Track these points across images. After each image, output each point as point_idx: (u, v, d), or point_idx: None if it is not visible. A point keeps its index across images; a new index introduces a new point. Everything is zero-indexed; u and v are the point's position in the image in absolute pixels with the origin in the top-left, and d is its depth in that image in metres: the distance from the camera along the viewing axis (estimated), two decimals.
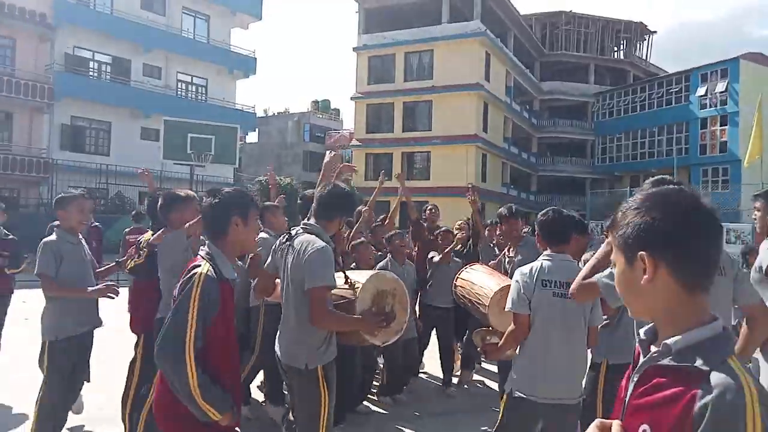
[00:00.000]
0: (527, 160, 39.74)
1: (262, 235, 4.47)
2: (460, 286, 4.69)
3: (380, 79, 33.76)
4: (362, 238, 5.39)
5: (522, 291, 2.97)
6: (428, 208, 6.91)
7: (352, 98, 34.81)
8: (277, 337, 3.08)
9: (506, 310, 3.07)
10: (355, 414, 5.07)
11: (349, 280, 3.15)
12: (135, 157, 23.59)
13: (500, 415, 3.07)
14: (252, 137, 46.37)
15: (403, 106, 33.32)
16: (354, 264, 4.91)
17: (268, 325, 4.53)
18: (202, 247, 2.47)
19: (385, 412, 5.29)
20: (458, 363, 6.37)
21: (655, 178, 2.82)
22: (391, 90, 33.26)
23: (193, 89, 30.77)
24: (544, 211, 3.23)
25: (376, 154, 33.95)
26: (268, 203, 5.47)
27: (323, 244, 2.87)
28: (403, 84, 33.17)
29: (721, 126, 32.64)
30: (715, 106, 32.85)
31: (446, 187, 30.11)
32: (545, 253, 3.11)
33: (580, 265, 3.12)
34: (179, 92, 29.84)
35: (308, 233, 2.95)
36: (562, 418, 2.90)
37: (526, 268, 3.05)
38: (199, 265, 2.32)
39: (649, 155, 36.42)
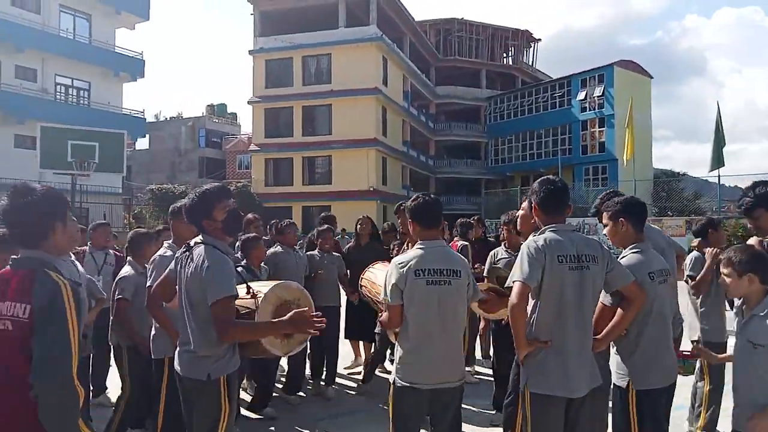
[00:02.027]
0: (426, 163, 40.76)
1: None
2: (364, 286, 4.66)
3: (278, 82, 33.21)
4: (254, 234, 5.38)
5: (395, 282, 2.93)
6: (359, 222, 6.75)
7: (249, 102, 33.96)
8: (177, 350, 2.94)
9: (380, 300, 3.05)
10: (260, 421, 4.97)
11: (251, 290, 3.06)
12: (8, 166, 21.51)
13: (390, 407, 3.04)
14: (142, 143, 44.00)
15: (302, 110, 32.98)
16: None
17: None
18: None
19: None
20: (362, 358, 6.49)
21: (542, 178, 2.98)
22: (290, 94, 32.82)
23: (74, 93, 28.49)
24: (413, 197, 3.17)
25: (276, 159, 33.35)
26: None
27: (221, 255, 2.79)
28: (302, 88, 32.85)
29: (599, 128, 35.32)
30: (594, 109, 35.50)
31: (348, 192, 30.20)
32: (419, 242, 3.08)
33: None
34: (58, 96, 27.55)
35: (206, 245, 2.84)
36: (447, 400, 2.95)
37: (400, 259, 3.03)
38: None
39: (537, 156, 38.62)
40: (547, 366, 2.70)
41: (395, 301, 2.96)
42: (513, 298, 2.66)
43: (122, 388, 4.28)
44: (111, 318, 4.34)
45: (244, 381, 5.54)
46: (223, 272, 2.72)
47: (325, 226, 6.25)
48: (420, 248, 3.03)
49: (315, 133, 32.72)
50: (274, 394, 5.41)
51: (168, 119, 47.97)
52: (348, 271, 6.19)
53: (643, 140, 31.88)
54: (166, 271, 3.07)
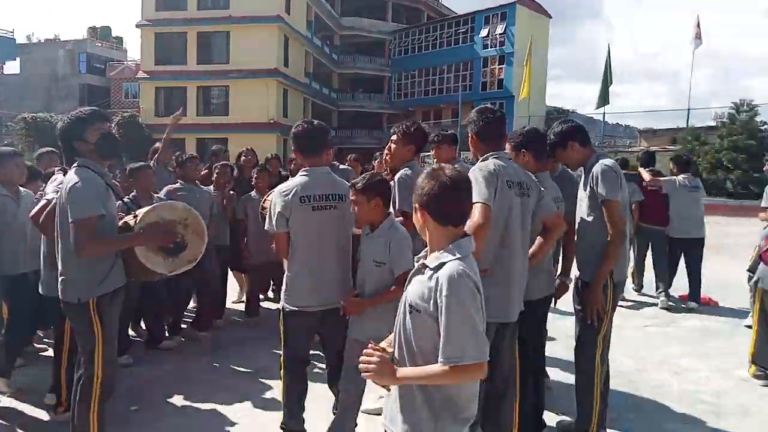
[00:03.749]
0: (328, 96, 39.91)
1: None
2: (265, 207, 4.57)
3: (171, 5, 30.67)
4: (142, 163, 5.02)
5: (280, 210, 2.93)
6: (243, 153, 6.46)
7: (137, 26, 31.23)
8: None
9: (266, 229, 3.05)
10: (157, 351, 4.98)
11: (133, 212, 3.08)
12: None
13: (281, 333, 3.09)
14: (12, 67, 39.49)
15: (197, 37, 30.81)
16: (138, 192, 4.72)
17: None
18: None
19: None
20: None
21: (480, 107, 2.95)
22: (184, 18, 30.48)
23: None
24: (295, 125, 3.14)
25: (167, 88, 31.21)
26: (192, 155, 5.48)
27: (91, 174, 2.81)
28: (197, 12, 30.59)
29: (499, 65, 36.07)
30: (495, 46, 36.09)
31: (247, 124, 29.06)
32: (302, 169, 3.07)
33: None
34: None
35: (78, 166, 2.85)
36: (335, 321, 3.01)
37: (284, 187, 3.01)
38: None
39: (439, 91, 39.00)
40: (489, 294, 2.71)
41: (281, 229, 2.98)
42: (479, 218, 2.53)
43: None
44: None
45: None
46: (87, 191, 2.72)
47: (222, 163, 5.99)
48: (304, 175, 3.04)
49: (211, 62, 30.84)
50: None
51: (43, 41, 43.00)
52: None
53: (538, 79, 33.05)
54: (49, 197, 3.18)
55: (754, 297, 4.33)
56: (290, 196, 2.94)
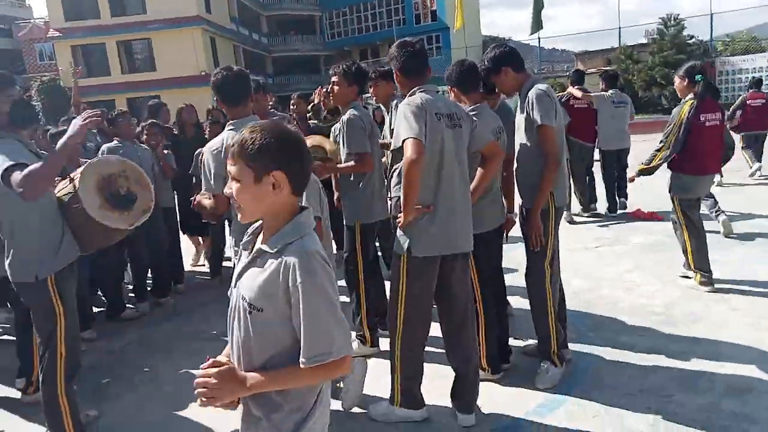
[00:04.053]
0: (259, 41, 38.33)
1: None
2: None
3: None
4: (64, 128, 4.62)
5: (214, 171, 2.76)
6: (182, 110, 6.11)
7: None
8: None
9: (204, 190, 2.91)
10: (119, 322, 4.90)
11: (68, 176, 2.94)
12: None
13: None
14: None
15: None
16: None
17: None
18: None
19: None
20: None
21: (399, 42, 2.87)
22: None
23: None
24: (214, 73, 2.94)
25: (84, 46, 29.21)
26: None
27: (6, 142, 2.66)
28: None
29: None
30: None
31: (177, 78, 27.70)
32: (228, 122, 2.91)
33: None
34: None
35: None
36: None
37: (213, 144, 2.81)
38: None
39: (373, 28, 38.08)
40: (431, 228, 2.69)
41: (220, 189, 2.78)
42: (411, 154, 2.49)
43: None
44: None
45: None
46: (7, 151, 2.54)
47: (150, 121, 5.66)
48: (231, 128, 2.85)
49: (126, 13, 28.97)
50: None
51: None
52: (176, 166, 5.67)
53: (470, 8, 32.66)
54: None
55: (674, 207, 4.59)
56: (222, 154, 2.74)
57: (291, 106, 6.29)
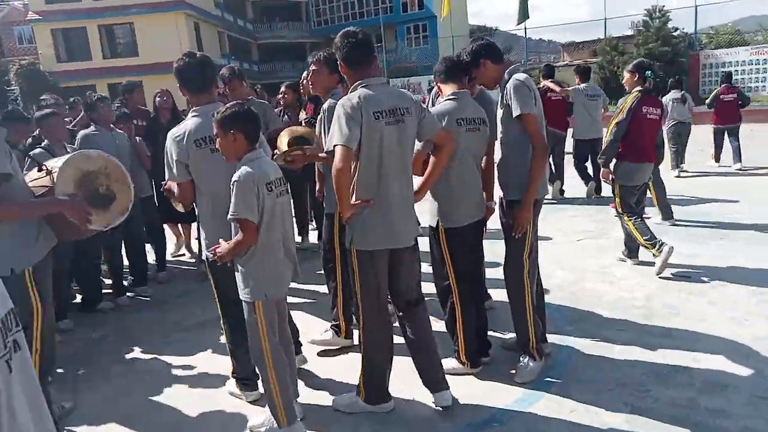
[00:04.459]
0: (244, 28, 37.86)
1: None
2: None
3: None
4: (51, 110, 4.63)
5: (177, 158, 2.78)
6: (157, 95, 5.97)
7: None
8: None
9: (167, 178, 2.93)
10: (97, 313, 4.84)
11: (45, 167, 2.82)
12: None
13: (211, 280, 3.08)
14: None
15: None
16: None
17: None
18: None
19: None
20: None
21: (342, 32, 2.81)
22: None
23: None
24: (178, 60, 2.91)
25: (65, 30, 28.64)
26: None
27: None
28: None
29: None
30: None
31: (159, 64, 27.23)
32: (192, 110, 2.89)
33: None
34: None
35: None
36: None
37: (175, 132, 2.82)
38: None
39: (360, 15, 37.70)
40: (372, 222, 2.72)
41: (183, 178, 2.81)
42: (337, 162, 2.56)
43: None
44: None
45: None
46: None
47: (122, 111, 5.52)
48: (194, 115, 2.84)
49: None
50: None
51: None
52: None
53: None
54: None
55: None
56: (185, 141, 2.76)
57: (280, 96, 6.21)
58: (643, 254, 4.94)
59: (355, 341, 3.61)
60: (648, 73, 4.82)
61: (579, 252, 5.49)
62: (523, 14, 23.00)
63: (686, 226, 6.08)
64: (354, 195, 2.70)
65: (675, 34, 21.63)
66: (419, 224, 2.99)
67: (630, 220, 4.77)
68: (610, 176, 4.88)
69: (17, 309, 2.60)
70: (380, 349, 2.90)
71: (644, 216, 5.03)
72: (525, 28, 24.07)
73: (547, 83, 7.64)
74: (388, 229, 2.74)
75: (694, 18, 21.43)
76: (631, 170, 4.80)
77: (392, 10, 35.96)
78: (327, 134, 3.36)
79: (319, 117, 3.52)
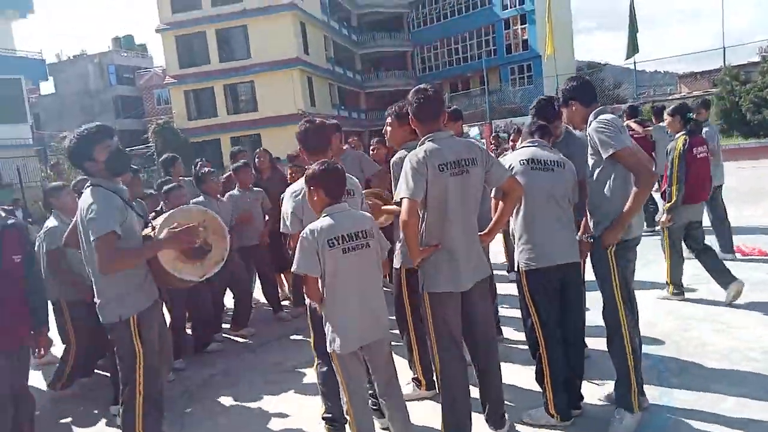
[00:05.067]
0: (353, 79, 39.78)
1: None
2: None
3: (186, 6, 30.95)
4: (173, 184, 5.19)
5: (292, 211, 3.06)
6: (256, 155, 6.53)
7: (157, 31, 31.69)
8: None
9: (282, 231, 3.20)
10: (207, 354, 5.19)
11: (151, 224, 3.13)
12: None
13: (309, 326, 3.24)
14: (47, 88, 40.74)
15: (216, 34, 31.12)
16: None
17: None
18: None
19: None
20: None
21: (415, 88, 3.00)
22: (200, 17, 30.79)
23: None
24: (300, 124, 3.27)
25: (195, 90, 31.71)
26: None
27: (105, 192, 2.85)
28: (212, 9, 30.82)
29: (521, 25, 35.17)
30: (515, 6, 35.14)
31: (276, 117, 29.31)
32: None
33: None
34: None
35: (92, 186, 2.90)
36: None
37: (294, 187, 3.13)
38: None
39: (464, 60, 38.32)
40: (440, 267, 2.85)
41: (295, 229, 3.02)
42: (404, 215, 2.71)
43: (67, 341, 4.51)
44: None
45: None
46: (103, 209, 2.75)
47: (242, 161, 6.04)
48: None
49: (233, 58, 31.13)
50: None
51: (71, 58, 44.12)
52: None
53: (563, 34, 32.06)
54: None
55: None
56: (300, 196, 3.02)
57: (371, 149, 6.39)
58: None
59: (437, 390, 3.61)
60: (689, 114, 5.15)
61: (686, 298, 5.12)
62: (633, 48, 22.24)
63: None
64: (422, 241, 2.82)
65: None
66: (490, 266, 3.07)
67: (672, 256, 5.12)
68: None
69: (122, 352, 2.95)
70: (459, 390, 2.92)
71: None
72: (634, 62, 23.20)
73: (629, 122, 7.78)
74: (456, 272, 2.84)
75: None
76: (683, 210, 5.03)
77: (496, 53, 36.17)
78: (395, 185, 3.46)
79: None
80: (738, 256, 6.23)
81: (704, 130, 6.82)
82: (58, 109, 40.20)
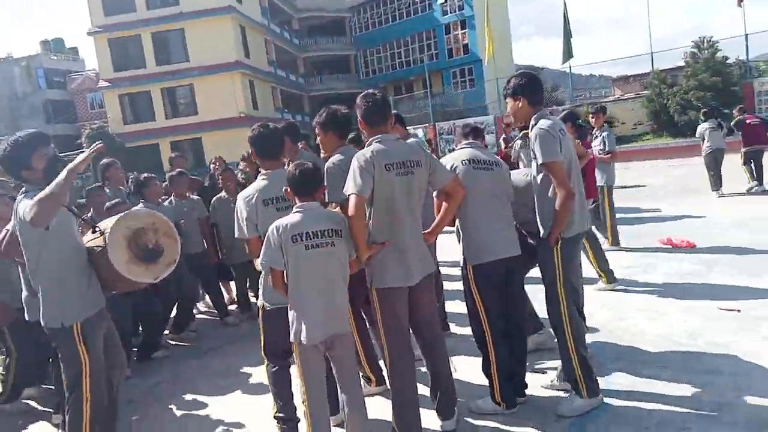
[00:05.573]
0: (296, 82, 39.51)
1: None
2: None
3: (119, 8, 29.92)
4: (98, 184, 5.25)
5: (246, 216, 3.10)
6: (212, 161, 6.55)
7: (89, 33, 30.49)
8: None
9: (236, 236, 3.20)
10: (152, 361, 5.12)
11: (97, 229, 3.07)
12: None
13: (260, 330, 3.25)
14: None
15: (151, 38, 30.23)
16: (91, 211, 4.90)
17: None
18: None
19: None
20: None
21: (363, 93, 3.08)
22: (135, 20, 29.86)
23: None
24: (251, 129, 3.28)
25: (131, 94, 30.68)
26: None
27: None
28: (147, 12, 29.96)
29: (462, 30, 35.92)
30: (455, 11, 35.87)
31: (217, 121, 28.76)
32: (262, 172, 3.21)
33: None
34: None
35: (26, 193, 2.85)
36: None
37: (246, 192, 3.16)
38: None
39: (406, 64, 38.75)
40: (388, 263, 2.92)
41: (252, 234, 3.09)
42: (351, 210, 2.78)
43: (8, 351, 4.29)
44: None
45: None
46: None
47: (177, 170, 6.02)
48: (263, 178, 3.18)
49: (170, 61, 30.34)
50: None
51: None
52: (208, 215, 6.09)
53: (502, 38, 32.98)
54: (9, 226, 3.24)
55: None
56: (253, 201, 3.07)
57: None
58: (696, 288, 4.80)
59: (387, 385, 3.66)
60: (579, 120, 5.80)
61: (621, 289, 5.39)
62: (567, 53, 23.08)
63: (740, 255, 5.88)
64: (369, 239, 2.88)
65: (729, 62, 21.07)
66: (435, 262, 3.17)
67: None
68: None
69: (66, 358, 2.86)
70: (408, 383, 2.99)
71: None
72: (569, 66, 24.09)
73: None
74: (403, 268, 2.92)
75: (745, 47, 20.94)
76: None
77: (438, 57, 36.77)
78: (330, 189, 3.38)
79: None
80: (667, 247, 6.59)
81: (604, 134, 7.14)
82: None
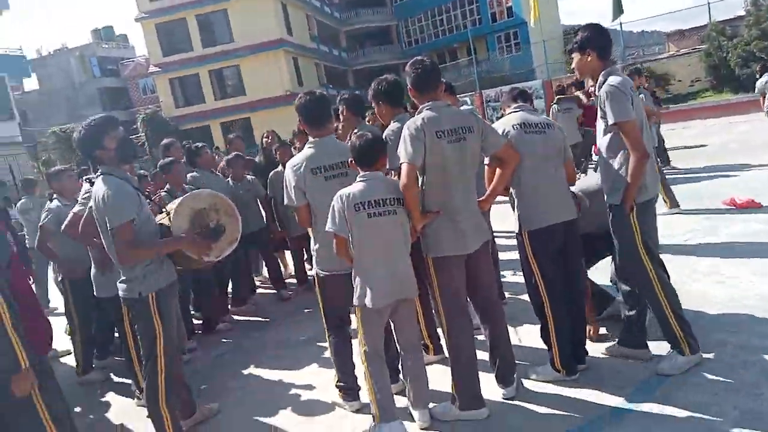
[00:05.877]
0: (339, 57, 39.37)
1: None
2: None
3: None
4: (170, 158, 5.33)
5: (294, 184, 3.13)
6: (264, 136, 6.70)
7: (137, 20, 31.18)
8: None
9: (285, 204, 3.26)
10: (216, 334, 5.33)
11: (164, 209, 3.29)
12: None
13: (318, 296, 3.32)
14: (30, 84, 40.25)
15: (196, 20, 30.63)
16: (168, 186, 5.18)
17: None
18: None
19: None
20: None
21: (412, 60, 3.05)
22: (179, 3, 30.28)
23: None
24: (298, 97, 3.28)
25: (181, 78, 31.33)
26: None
27: (117, 181, 2.96)
28: None
29: None
30: None
31: (264, 100, 29.09)
32: (309, 140, 3.23)
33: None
34: None
35: (103, 174, 3.01)
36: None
37: (294, 161, 3.18)
38: None
39: (449, 31, 37.87)
40: (441, 233, 2.91)
41: (300, 202, 3.13)
42: (403, 178, 2.78)
43: (70, 320, 4.62)
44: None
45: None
46: (117, 198, 2.89)
47: (233, 153, 6.15)
48: (311, 147, 3.17)
49: (216, 43, 30.72)
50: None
51: (52, 53, 43.43)
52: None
53: None
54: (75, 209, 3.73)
55: None
56: (302, 170, 3.08)
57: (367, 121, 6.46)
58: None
59: (445, 354, 3.66)
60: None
61: (689, 251, 5.21)
62: (618, 9, 22.03)
63: None
64: (423, 207, 2.87)
65: None
66: (491, 230, 3.14)
67: None
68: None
69: (142, 328, 3.04)
70: (467, 351, 3.00)
71: None
72: (620, 23, 23.01)
73: (578, 94, 8.76)
74: (458, 236, 2.90)
75: None
76: None
77: (481, 22, 35.80)
78: (391, 156, 3.44)
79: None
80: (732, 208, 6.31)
81: (641, 96, 6.90)
82: (43, 104, 39.74)
